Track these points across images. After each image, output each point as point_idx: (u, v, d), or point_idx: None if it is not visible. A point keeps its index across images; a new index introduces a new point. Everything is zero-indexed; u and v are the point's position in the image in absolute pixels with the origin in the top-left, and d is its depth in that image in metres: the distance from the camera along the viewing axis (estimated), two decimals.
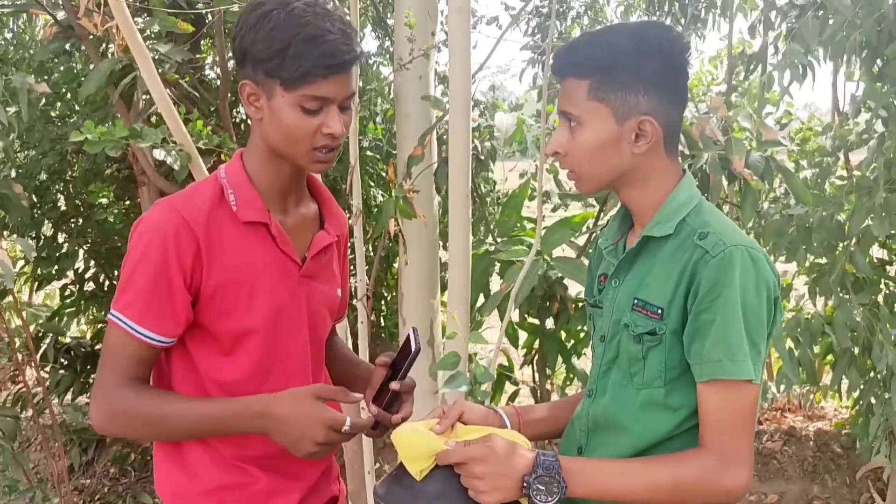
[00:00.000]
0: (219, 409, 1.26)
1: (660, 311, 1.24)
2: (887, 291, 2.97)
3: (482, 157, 2.90)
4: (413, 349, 1.30)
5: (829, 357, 3.28)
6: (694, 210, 1.28)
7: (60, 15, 3.13)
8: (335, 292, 1.48)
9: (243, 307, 1.30)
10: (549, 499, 1.16)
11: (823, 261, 3.04)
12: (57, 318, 4.00)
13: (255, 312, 1.31)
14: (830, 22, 2.67)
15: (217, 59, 3.52)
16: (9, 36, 3.94)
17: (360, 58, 1.29)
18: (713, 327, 1.18)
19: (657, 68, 1.25)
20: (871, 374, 2.84)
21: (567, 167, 1.32)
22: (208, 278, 1.27)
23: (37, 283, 4.20)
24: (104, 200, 3.59)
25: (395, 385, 1.32)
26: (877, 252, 3.26)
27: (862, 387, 2.91)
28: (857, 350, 2.85)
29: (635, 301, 1.28)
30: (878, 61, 2.78)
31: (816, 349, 3.16)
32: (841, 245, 2.82)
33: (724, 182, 2.35)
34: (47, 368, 3.87)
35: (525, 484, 1.16)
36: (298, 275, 1.37)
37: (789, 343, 2.92)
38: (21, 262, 4.27)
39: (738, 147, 2.29)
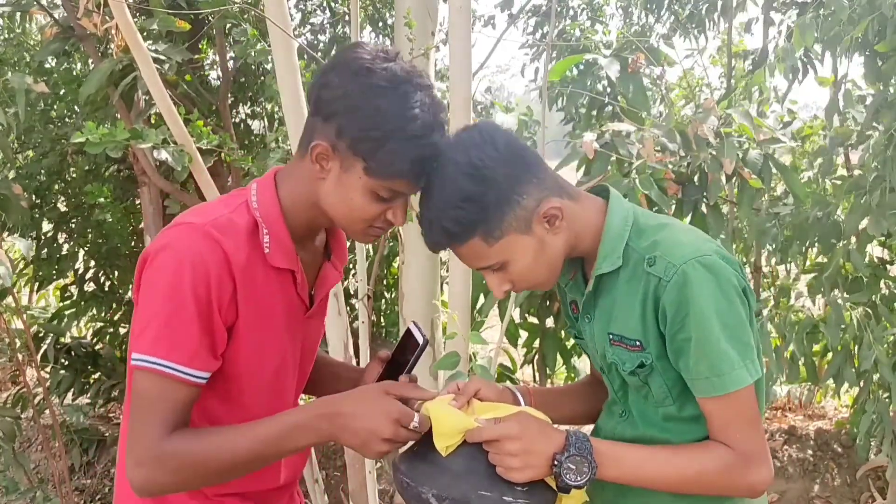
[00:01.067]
0: (281, 424, 1.18)
1: (638, 342, 1.24)
2: (886, 291, 2.97)
3: None
4: (421, 342, 1.29)
5: (830, 356, 3.29)
6: (633, 231, 1.26)
7: (59, 14, 3.13)
8: (324, 321, 1.45)
9: (256, 351, 1.25)
10: (579, 479, 1.16)
11: (824, 260, 3.05)
12: (57, 319, 4.00)
13: (266, 357, 1.27)
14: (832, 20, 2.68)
15: (217, 59, 3.53)
16: (7, 36, 3.94)
17: None
18: (691, 344, 1.19)
19: (507, 172, 1.20)
20: (867, 373, 2.85)
21: (522, 290, 1.30)
22: (236, 321, 1.20)
23: (37, 283, 4.20)
24: (102, 200, 3.59)
25: (404, 379, 1.30)
26: (878, 251, 3.26)
27: (861, 385, 2.92)
28: (855, 348, 2.86)
29: (610, 336, 1.28)
30: (879, 61, 2.78)
31: (816, 348, 3.16)
32: (840, 244, 2.82)
33: (723, 180, 2.35)
34: (48, 369, 3.87)
35: (556, 462, 1.16)
36: (304, 316, 1.33)
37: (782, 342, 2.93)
38: (22, 263, 4.27)
39: (729, 149, 2.29)
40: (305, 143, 1.22)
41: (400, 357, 1.37)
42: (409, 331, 1.35)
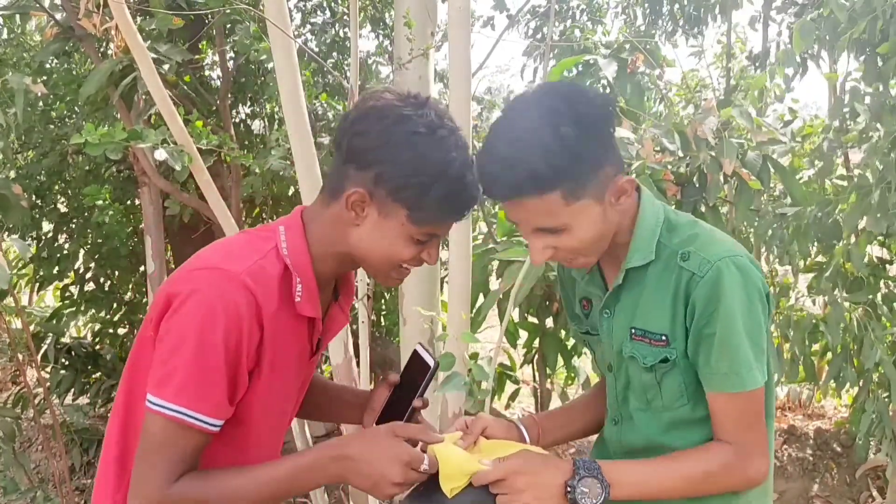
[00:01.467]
0: (290, 466, 1.17)
1: (664, 337, 1.25)
2: (886, 291, 2.98)
3: None
4: (432, 365, 1.29)
5: (829, 356, 3.29)
6: (665, 227, 1.26)
7: (59, 16, 3.13)
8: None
9: (269, 396, 1.23)
10: (595, 501, 1.17)
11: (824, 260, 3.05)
12: (55, 318, 4.01)
13: (276, 401, 1.26)
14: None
15: (217, 59, 3.53)
16: (8, 36, 3.95)
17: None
18: (715, 340, 1.20)
19: (601, 134, 1.17)
20: (867, 372, 2.86)
21: (562, 259, 1.25)
22: (255, 367, 1.19)
23: (38, 284, 4.21)
24: (101, 203, 3.59)
25: (418, 403, 1.30)
26: (877, 251, 3.27)
27: (861, 384, 2.92)
28: (855, 348, 2.86)
29: (633, 331, 1.28)
30: (880, 61, 2.78)
31: (815, 348, 3.17)
32: (840, 244, 2.83)
33: (722, 181, 2.36)
34: (48, 369, 3.87)
35: (569, 489, 1.17)
36: (309, 360, 1.32)
37: (783, 342, 2.93)
38: (20, 263, 4.27)
39: (729, 149, 2.29)
40: (335, 190, 1.20)
41: (408, 380, 1.35)
42: (415, 353, 1.34)
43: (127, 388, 1.24)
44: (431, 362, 1.29)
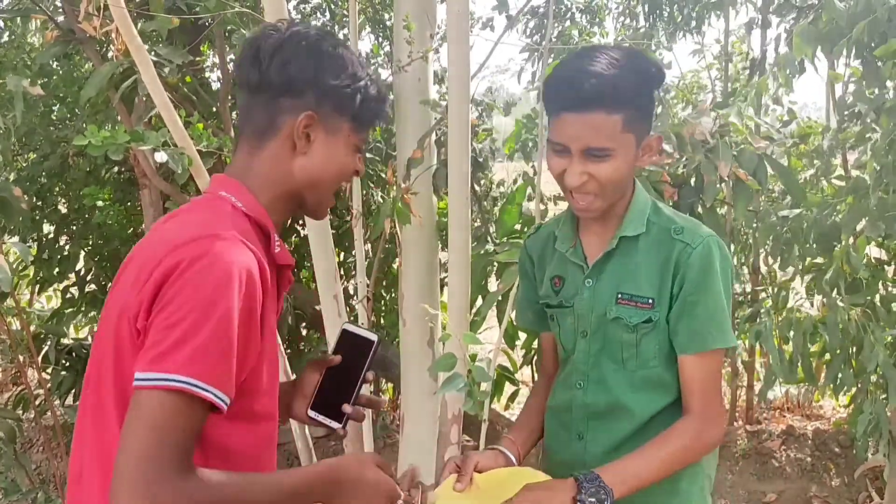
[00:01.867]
0: (304, 478, 1.13)
1: (650, 300, 1.38)
2: (884, 292, 2.98)
3: (480, 159, 2.92)
4: (374, 339, 1.33)
5: (828, 356, 3.29)
6: (652, 209, 1.43)
7: (60, 18, 3.14)
8: None
9: (272, 360, 1.20)
10: None
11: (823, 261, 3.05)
12: (55, 320, 4.02)
13: (272, 365, 1.20)
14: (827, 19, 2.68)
15: (217, 61, 3.54)
16: (9, 38, 3.96)
17: None
18: (699, 307, 1.35)
19: (655, 92, 1.37)
20: (866, 373, 2.86)
21: (587, 192, 1.36)
22: (263, 329, 1.14)
23: (38, 285, 4.22)
24: (100, 203, 3.60)
25: (370, 375, 1.34)
26: (875, 252, 3.27)
27: (859, 385, 2.93)
28: (854, 349, 2.86)
29: (619, 295, 1.41)
30: (879, 63, 2.78)
31: (814, 348, 3.17)
32: (839, 245, 2.83)
33: (718, 181, 2.36)
34: (49, 370, 3.88)
35: (579, 502, 1.25)
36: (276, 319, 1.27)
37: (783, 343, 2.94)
38: (23, 266, 4.29)
39: (724, 151, 2.31)
40: (269, 128, 1.21)
41: (349, 360, 1.34)
42: (345, 331, 1.35)
43: (121, 395, 1.09)
44: (373, 337, 1.34)
